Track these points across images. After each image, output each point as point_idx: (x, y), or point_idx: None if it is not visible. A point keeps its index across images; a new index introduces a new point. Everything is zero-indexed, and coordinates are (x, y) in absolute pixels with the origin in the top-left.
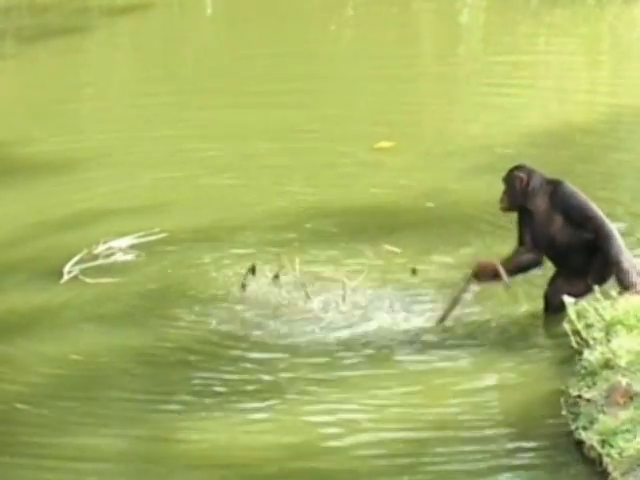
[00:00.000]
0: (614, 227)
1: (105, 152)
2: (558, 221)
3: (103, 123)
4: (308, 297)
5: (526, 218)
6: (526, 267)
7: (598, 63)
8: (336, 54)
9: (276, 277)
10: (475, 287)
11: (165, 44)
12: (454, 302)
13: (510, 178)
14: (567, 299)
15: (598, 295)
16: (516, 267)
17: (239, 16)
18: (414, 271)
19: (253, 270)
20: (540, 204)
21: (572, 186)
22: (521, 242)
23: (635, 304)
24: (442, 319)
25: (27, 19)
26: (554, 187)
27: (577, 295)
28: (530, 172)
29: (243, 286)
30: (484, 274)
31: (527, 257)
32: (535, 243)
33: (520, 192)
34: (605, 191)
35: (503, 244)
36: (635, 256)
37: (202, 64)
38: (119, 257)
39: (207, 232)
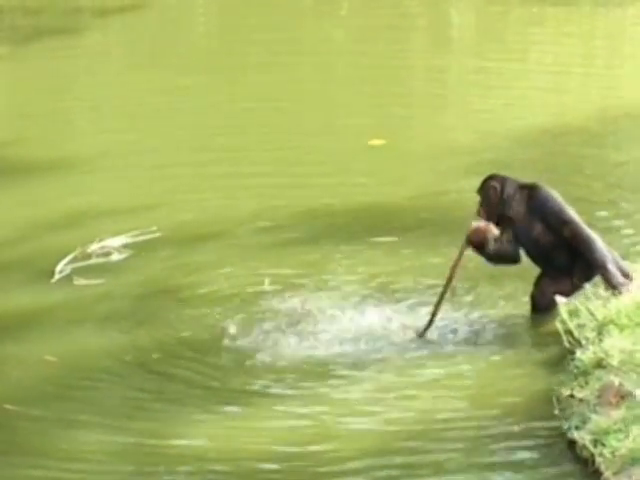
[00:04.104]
0: (590, 230)
1: (99, 152)
2: (538, 226)
3: (96, 123)
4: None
5: (505, 224)
6: (503, 256)
7: (590, 64)
8: (329, 53)
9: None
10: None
11: (157, 44)
12: (449, 278)
13: (484, 189)
14: (559, 299)
15: (588, 294)
16: (495, 253)
17: (231, 15)
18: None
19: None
20: (519, 210)
21: (548, 190)
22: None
23: (627, 303)
24: (437, 305)
25: (20, 20)
26: (529, 192)
27: (564, 294)
28: (503, 179)
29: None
30: (476, 237)
31: (507, 248)
32: (517, 242)
33: (496, 201)
34: (597, 193)
35: None
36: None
37: (195, 63)
38: (114, 256)
39: (202, 231)
